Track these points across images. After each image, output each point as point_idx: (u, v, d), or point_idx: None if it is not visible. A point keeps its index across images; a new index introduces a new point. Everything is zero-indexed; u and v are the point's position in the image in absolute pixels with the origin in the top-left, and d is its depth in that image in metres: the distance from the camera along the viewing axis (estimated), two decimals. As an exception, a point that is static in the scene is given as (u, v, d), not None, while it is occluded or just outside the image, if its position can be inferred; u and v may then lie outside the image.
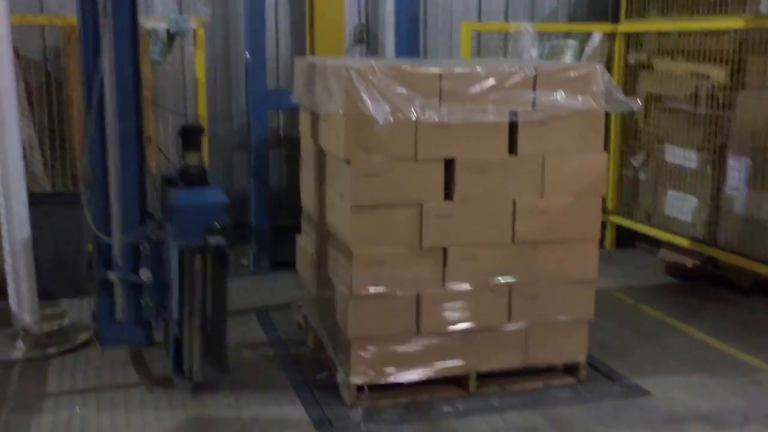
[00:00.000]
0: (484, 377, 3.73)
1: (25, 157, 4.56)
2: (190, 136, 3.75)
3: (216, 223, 3.42)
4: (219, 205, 3.50)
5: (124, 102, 3.61)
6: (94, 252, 3.82)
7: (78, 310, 4.78)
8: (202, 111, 5.39)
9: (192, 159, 3.70)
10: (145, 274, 3.69)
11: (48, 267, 4.74)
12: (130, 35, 3.60)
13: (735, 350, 4.30)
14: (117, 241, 3.70)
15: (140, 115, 3.69)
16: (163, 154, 5.62)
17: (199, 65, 5.37)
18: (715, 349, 4.33)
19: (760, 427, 3.45)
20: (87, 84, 3.60)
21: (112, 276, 3.72)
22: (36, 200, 4.81)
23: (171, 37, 5.29)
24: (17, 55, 4.91)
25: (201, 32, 5.34)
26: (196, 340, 3.54)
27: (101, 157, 3.64)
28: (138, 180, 3.71)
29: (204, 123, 5.39)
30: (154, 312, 3.77)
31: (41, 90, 5.36)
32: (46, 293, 4.58)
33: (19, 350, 4.09)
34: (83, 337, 4.29)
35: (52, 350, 4.12)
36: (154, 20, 5.28)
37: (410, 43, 5.65)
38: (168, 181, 3.81)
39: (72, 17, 5.13)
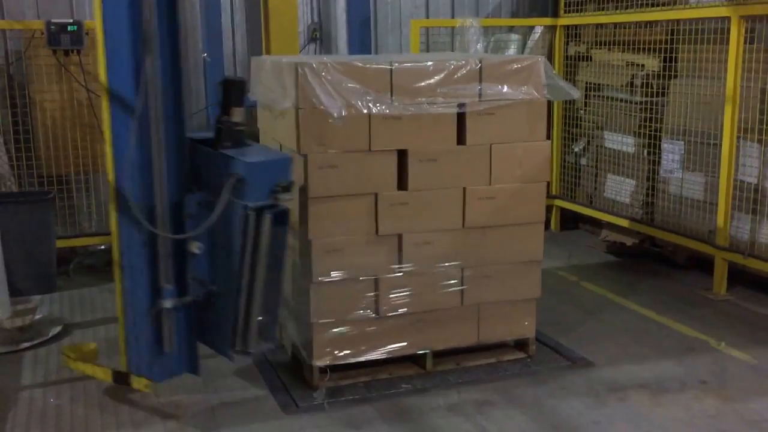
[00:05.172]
0: (440, 355, 3.91)
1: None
2: (236, 91, 3.29)
3: (284, 181, 3.17)
4: (287, 162, 3.23)
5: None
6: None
7: (48, 306, 4.88)
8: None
9: (237, 116, 3.30)
10: (196, 246, 3.23)
11: (18, 265, 4.81)
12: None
13: (671, 321, 4.58)
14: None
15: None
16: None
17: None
18: (652, 321, 4.60)
19: (697, 391, 3.69)
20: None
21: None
22: (3, 200, 4.88)
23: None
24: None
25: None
26: (255, 307, 3.25)
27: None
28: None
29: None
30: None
31: (4, 93, 5.42)
32: (16, 290, 4.65)
33: (-8, 346, 4.16)
34: (54, 330, 4.39)
35: (25, 344, 4.20)
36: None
37: (362, 40, 5.80)
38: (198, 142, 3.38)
39: (33, 22, 5.20)
